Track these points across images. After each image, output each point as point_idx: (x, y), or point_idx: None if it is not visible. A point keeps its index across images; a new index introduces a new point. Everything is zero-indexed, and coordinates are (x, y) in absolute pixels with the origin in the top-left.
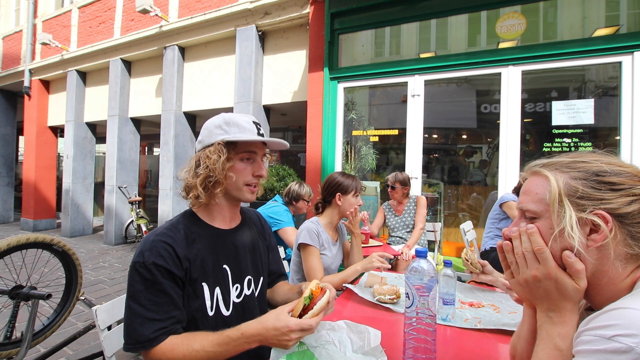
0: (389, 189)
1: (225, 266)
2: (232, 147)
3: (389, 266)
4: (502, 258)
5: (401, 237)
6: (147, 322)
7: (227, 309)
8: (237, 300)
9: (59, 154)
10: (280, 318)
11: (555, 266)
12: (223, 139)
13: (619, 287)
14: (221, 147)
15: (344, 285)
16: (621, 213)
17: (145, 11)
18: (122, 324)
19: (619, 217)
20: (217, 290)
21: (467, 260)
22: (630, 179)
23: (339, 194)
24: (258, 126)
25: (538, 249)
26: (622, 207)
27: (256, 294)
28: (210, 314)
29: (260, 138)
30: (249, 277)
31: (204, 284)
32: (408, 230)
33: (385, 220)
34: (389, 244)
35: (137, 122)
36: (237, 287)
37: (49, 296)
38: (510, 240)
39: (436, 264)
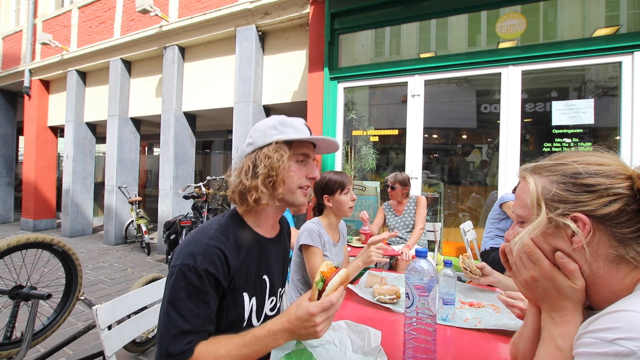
0: (389, 189)
1: (265, 277)
2: (288, 148)
3: (387, 260)
4: (504, 260)
5: (401, 237)
6: (182, 334)
7: (258, 320)
8: (271, 314)
9: (59, 154)
10: (301, 306)
11: (550, 265)
12: (279, 138)
13: (616, 288)
14: (281, 146)
15: None
16: (599, 215)
17: (145, 11)
18: (122, 323)
19: (599, 218)
20: (254, 300)
21: (466, 269)
22: (608, 179)
23: (326, 196)
24: (309, 128)
25: (529, 251)
26: (599, 208)
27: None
28: (244, 324)
29: (317, 137)
30: (282, 289)
31: (245, 293)
32: (408, 230)
33: (385, 220)
34: (389, 244)
35: (137, 122)
36: (272, 300)
37: (49, 296)
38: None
39: (436, 264)
